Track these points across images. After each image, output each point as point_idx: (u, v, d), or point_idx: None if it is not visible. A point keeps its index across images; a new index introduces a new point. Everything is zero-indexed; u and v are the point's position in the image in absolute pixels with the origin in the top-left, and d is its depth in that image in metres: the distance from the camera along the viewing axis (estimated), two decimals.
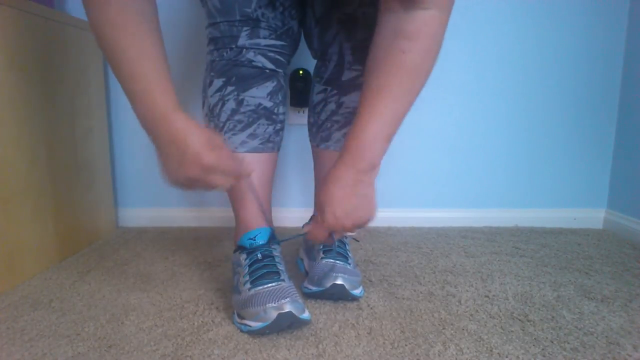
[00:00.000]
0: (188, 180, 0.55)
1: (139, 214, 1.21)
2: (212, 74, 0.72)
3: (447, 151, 1.21)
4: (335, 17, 0.76)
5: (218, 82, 0.71)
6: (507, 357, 0.58)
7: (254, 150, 0.73)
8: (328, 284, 0.71)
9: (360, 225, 0.63)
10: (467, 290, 0.79)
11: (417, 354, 0.59)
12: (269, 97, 0.73)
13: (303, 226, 0.70)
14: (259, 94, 0.71)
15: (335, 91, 0.81)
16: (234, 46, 0.69)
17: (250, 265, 0.68)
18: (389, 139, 0.62)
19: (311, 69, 0.95)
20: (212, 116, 0.73)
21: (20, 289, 0.79)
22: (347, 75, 0.79)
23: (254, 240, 0.71)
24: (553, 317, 0.69)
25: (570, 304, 0.74)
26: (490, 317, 0.69)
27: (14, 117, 0.78)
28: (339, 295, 0.73)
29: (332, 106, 0.82)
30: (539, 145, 1.21)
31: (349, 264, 0.77)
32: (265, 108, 0.72)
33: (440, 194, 1.23)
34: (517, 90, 1.18)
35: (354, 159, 0.61)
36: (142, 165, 1.19)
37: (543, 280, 0.84)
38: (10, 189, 0.78)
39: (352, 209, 0.61)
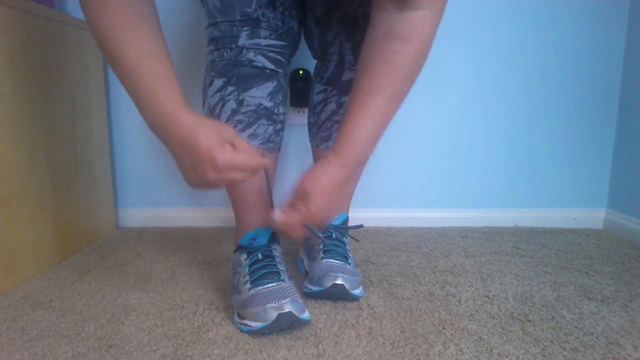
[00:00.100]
0: (206, 181, 0.53)
1: (139, 214, 1.21)
2: (212, 74, 0.72)
3: (447, 151, 1.21)
4: (336, 17, 0.77)
5: (218, 82, 0.71)
6: (507, 357, 0.58)
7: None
8: (328, 284, 0.71)
9: (324, 222, 0.63)
10: (467, 290, 0.79)
11: (417, 354, 0.59)
12: (269, 97, 0.73)
13: (272, 215, 0.63)
14: (260, 94, 0.71)
15: (335, 91, 0.81)
16: (234, 46, 0.69)
17: (250, 265, 0.68)
18: (378, 138, 0.64)
19: (311, 69, 0.95)
20: (212, 116, 0.73)
21: (20, 289, 0.79)
22: (347, 75, 0.79)
23: (255, 240, 0.71)
24: (553, 317, 0.69)
25: (570, 304, 0.74)
26: (490, 317, 0.69)
27: (14, 117, 0.78)
28: (339, 295, 0.73)
29: (332, 106, 0.82)
30: (539, 145, 1.21)
31: (349, 264, 0.77)
32: (265, 108, 0.72)
33: (440, 194, 1.23)
34: (517, 90, 1.19)
35: (346, 156, 0.62)
36: (142, 165, 1.19)
37: (543, 280, 0.84)
38: (10, 189, 0.78)
39: (334, 204, 0.62)
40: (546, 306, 0.73)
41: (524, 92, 1.19)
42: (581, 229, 1.21)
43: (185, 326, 0.66)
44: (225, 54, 0.70)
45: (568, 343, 0.62)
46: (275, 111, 0.74)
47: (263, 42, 0.70)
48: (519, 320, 0.68)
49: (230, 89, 0.71)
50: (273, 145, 0.76)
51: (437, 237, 1.12)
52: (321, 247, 0.79)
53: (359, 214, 1.12)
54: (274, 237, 0.73)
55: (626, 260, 0.96)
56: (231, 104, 0.71)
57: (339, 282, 0.71)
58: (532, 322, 0.68)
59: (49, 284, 0.81)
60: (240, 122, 0.72)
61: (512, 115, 1.20)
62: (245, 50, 0.70)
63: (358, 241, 1.07)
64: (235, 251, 0.74)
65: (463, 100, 1.19)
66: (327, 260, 0.76)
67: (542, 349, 0.60)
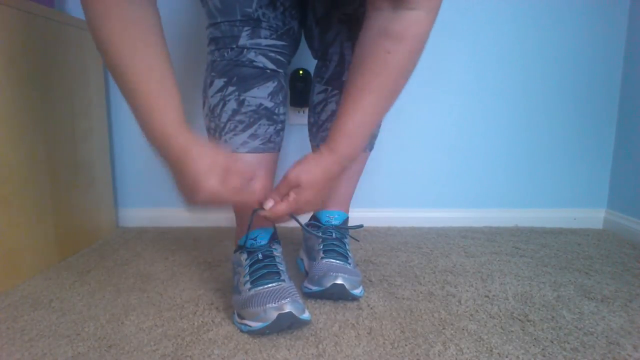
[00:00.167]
0: (199, 202, 0.54)
1: (139, 214, 1.21)
2: (213, 74, 0.72)
3: (447, 151, 1.21)
4: (336, 17, 0.77)
5: (219, 83, 0.71)
6: (507, 357, 0.58)
7: (255, 150, 0.73)
8: (328, 284, 0.71)
9: (309, 212, 0.66)
10: (467, 290, 0.79)
11: (417, 354, 0.59)
12: (269, 97, 0.73)
13: (255, 211, 0.63)
14: (260, 94, 0.71)
15: (336, 91, 0.81)
16: (234, 46, 0.69)
17: (250, 266, 0.68)
18: (369, 135, 0.65)
19: (311, 69, 0.95)
20: (212, 116, 0.73)
21: (20, 289, 0.79)
22: (347, 77, 0.79)
23: (255, 240, 0.71)
24: (553, 317, 0.70)
25: (570, 304, 0.74)
26: (490, 317, 0.69)
27: (14, 117, 0.78)
28: (339, 295, 0.73)
29: (332, 106, 0.82)
30: (539, 145, 1.21)
31: (349, 263, 0.77)
32: (266, 108, 0.72)
33: (440, 194, 1.23)
34: (517, 90, 1.19)
35: (339, 152, 0.62)
36: (142, 165, 1.19)
37: (543, 280, 0.84)
38: (10, 189, 0.78)
39: (322, 197, 0.64)
40: (546, 306, 0.73)
41: (524, 92, 1.19)
42: (581, 229, 1.21)
43: (185, 326, 0.66)
44: (225, 54, 0.70)
45: (568, 343, 0.62)
46: (276, 111, 0.74)
47: (264, 42, 0.70)
48: (519, 320, 0.68)
49: (231, 89, 0.71)
50: (273, 145, 0.76)
51: (437, 237, 1.12)
52: (321, 247, 0.79)
53: (359, 214, 1.12)
54: (274, 237, 0.73)
55: (626, 260, 0.96)
56: (232, 104, 0.71)
57: (339, 282, 0.71)
58: (532, 322, 0.68)
59: (49, 284, 0.81)
60: (240, 122, 0.72)
61: (512, 115, 1.20)
62: (245, 50, 0.70)
63: (358, 241, 1.07)
64: (235, 251, 0.74)
65: (463, 100, 1.19)
66: (327, 260, 0.76)
67: (542, 349, 0.60)
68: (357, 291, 0.74)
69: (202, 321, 0.67)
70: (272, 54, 0.72)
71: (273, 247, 0.72)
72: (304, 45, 0.85)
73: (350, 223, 0.87)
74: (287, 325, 0.62)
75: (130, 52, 0.52)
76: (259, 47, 0.70)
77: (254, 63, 0.70)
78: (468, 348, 0.60)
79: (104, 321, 0.67)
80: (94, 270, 0.88)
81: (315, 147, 0.88)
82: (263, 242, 0.71)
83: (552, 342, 0.62)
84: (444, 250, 1.01)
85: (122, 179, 1.21)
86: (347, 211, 0.88)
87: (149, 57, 0.54)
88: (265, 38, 0.70)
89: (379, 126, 0.90)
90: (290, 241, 1.05)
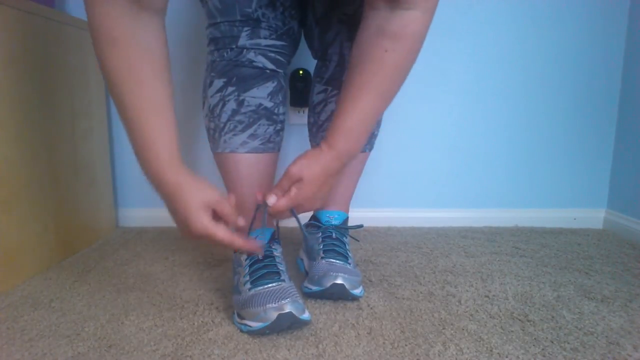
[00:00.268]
0: (192, 237, 0.57)
1: (139, 214, 1.21)
2: (212, 74, 0.72)
3: (447, 151, 1.21)
4: (336, 17, 0.77)
5: (218, 83, 0.71)
6: (507, 357, 0.58)
7: (255, 150, 0.73)
8: (328, 284, 0.71)
9: (310, 210, 0.66)
10: (467, 290, 0.79)
11: (417, 354, 0.59)
12: (269, 97, 0.73)
13: (260, 207, 0.64)
14: (260, 94, 0.71)
15: (335, 91, 0.81)
16: (234, 46, 0.69)
17: (250, 266, 0.68)
18: (369, 132, 0.65)
19: (311, 69, 0.95)
20: (212, 116, 0.73)
21: (20, 289, 0.79)
22: (345, 76, 0.79)
23: (255, 241, 0.71)
24: (553, 317, 0.70)
25: (570, 304, 0.74)
26: (490, 317, 0.69)
27: (14, 117, 0.78)
28: (339, 294, 0.73)
29: (332, 106, 0.82)
30: (539, 145, 1.21)
31: (349, 263, 0.77)
32: (265, 108, 0.72)
33: (440, 194, 1.23)
34: (517, 90, 1.19)
35: (338, 149, 0.63)
36: None
37: (543, 280, 0.84)
38: (10, 189, 0.78)
39: (322, 194, 0.64)
40: (546, 306, 0.73)
41: (524, 92, 1.19)
42: (581, 229, 1.21)
43: (185, 326, 0.66)
44: (225, 54, 0.70)
45: (568, 343, 0.62)
46: (276, 111, 0.74)
47: (263, 42, 0.70)
48: (519, 320, 0.68)
49: (230, 89, 0.71)
50: (273, 145, 0.76)
51: (437, 237, 1.12)
52: (321, 246, 0.79)
53: (359, 214, 1.12)
54: (274, 237, 0.73)
55: (626, 260, 0.96)
56: (231, 104, 0.71)
57: (339, 281, 0.71)
58: (532, 322, 0.68)
59: (49, 284, 0.81)
60: (240, 122, 0.72)
61: (512, 115, 1.20)
62: (245, 50, 0.70)
63: (358, 241, 1.07)
64: (235, 251, 0.74)
65: (463, 100, 1.19)
66: (327, 259, 0.76)
67: (542, 349, 0.60)
68: (357, 291, 0.74)
69: (202, 321, 0.67)
70: (272, 54, 0.72)
71: (273, 247, 0.72)
72: (303, 45, 0.85)
73: (350, 223, 0.87)
74: (287, 325, 0.62)
75: (134, 87, 0.53)
76: (259, 47, 0.70)
77: (254, 63, 0.70)
78: (468, 348, 0.60)
79: (104, 321, 0.67)
80: (94, 270, 0.88)
81: (316, 146, 0.88)
82: (263, 242, 0.71)
83: (552, 342, 0.62)
84: (444, 250, 1.01)
85: (122, 179, 1.21)
86: (347, 211, 0.88)
87: (152, 92, 0.55)
88: (265, 38, 0.70)
89: (378, 126, 0.90)
90: (290, 241, 1.05)
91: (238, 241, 0.57)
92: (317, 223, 0.83)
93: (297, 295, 0.65)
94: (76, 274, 0.86)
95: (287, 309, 0.60)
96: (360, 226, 0.85)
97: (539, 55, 1.17)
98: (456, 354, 0.59)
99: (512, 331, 0.65)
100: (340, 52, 0.79)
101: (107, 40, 0.52)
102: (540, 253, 1.00)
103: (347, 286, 0.71)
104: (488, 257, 0.97)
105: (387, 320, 0.68)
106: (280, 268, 0.69)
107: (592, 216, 1.23)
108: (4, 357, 0.58)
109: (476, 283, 0.83)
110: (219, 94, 0.71)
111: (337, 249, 0.78)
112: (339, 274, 0.72)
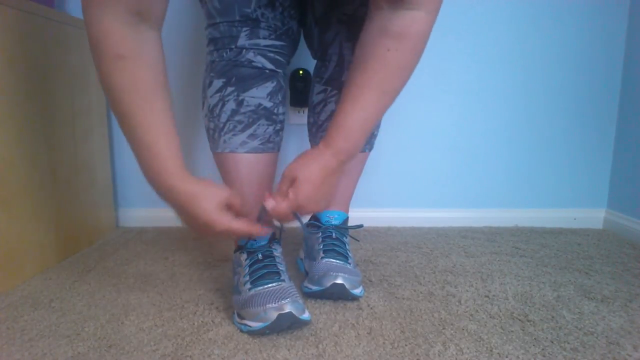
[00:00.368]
0: (214, 236, 0.59)
1: (139, 214, 1.21)
2: (212, 74, 0.72)
3: (447, 151, 1.21)
4: (335, 17, 0.77)
5: (218, 83, 0.71)
6: (507, 357, 0.58)
7: (254, 150, 0.73)
8: (328, 284, 0.71)
9: (313, 212, 0.67)
10: (467, 290, 0.79)
11: (417, 354, 0.59)
12: (268, 97, 0.73)
13: (261, 209, 0.65)
14: (259, 94, 0.71)
15: (335, 91, 0.81)
16: (233, 46, 0.69)
17: (250, 266, 0.68)
18: (369, 132, 0.65)
19: (311, 69, 0.95)
20: (212, 117, 0.73)
21: (20, 289, 0.79)
22: (347, 75, 0.79)
23: (255, 240, 0.71)
24: (553, 317, 0.69)
25: (570, 304, 0.74)
26: (490, 317, 0.69)
27: (14, 117, 0.78)
28: (339, 294, 0.73)
29: (332, 106, 0.82)
30: (539, 145, 1.21)
31: (349, 263, 0.77)
32: (265, 108, 0.72)
33: (440, 194, 1.23)
34: (517, 90, 1.18)
35: (337, 148, 0.62)
36: None
37: (543, 280, 0.84)
38: (10, 189, 0.78)
39: (322, 194, 0.64)
40: (546, 306, 0.73)
41: (524, 92, 1.19)
42: (581, 229, 1.20)
43: (185, 326, 0.66)
44: (224, 54, 0.70)
45: (568, 343, 0.62)
46: (275, 111, 0.74)
47: (262, 42, 0.70)
48: (519, 320, 0.68)
49: (229, 89, 0.71)
50: (273, 145, 0.76)
51: (437, 237, 1.12)
52: (321, 246, 0.79)
53: (359, 214, 1.12)
54: (274, 237, 0.73)
55: (626, 260, 0.96)
56: (231, 105, 0.71)
57: (339, 281, 0.71)
58: (532, 322, 0.68)
59: (49, 284, 0.81)
60: (240, 122, 0.72)
61: (512, 115, 1.20)
62: (244, 50, 0.70)
63: (358, 241, 1.07)
64: (235, 251, 0.74)
65: (463, 100, 1.19)
66: (327, 259, 0.76)
67: (542, 349, 0.60)
68: (357, 291, 0.74)
69: (202, 321, 0.67)
70: (271, 54, 0.72)
71: (273, 247, 0.72)
72: (303, 45, 0.85)
73: (350, 223, 0.87)
74: (287, 325, 0.62)
75: (141, 103, 0.54)
76: (258, 47, 0.70)
77: (253, 63, 0.70)
78: (468, 348, 0.60)
79: (104, 321, 0.67)
80: (94, 270, 0.88)
81: (315, 146, 0.88)
82: (263, 242, 0.71)
83: (552, 342, 0.62)
84: (444, 250, 1.01)
85: (122, 179, 1.21)
86: (347, 211, 0.88)
87: (157, 106, 0.55)
88: (264, 38, 0.70)
89: (378, 126, 0.90)
90: (290, 241, 1.05)
91: (255, 228, 0.60)
92: (317, 223, 0.83)
93: (297, 295, 0.65)
94: (76, 274, 0.86)
95: (287, 309, 0.60)
96: (360, 226, 0.85)
97: (539, 55, 1.17)
98: (456, 354, 0.59)
99: (512, 331, 0.65)
100: (340, 52, 0.79)
101: (113, 57, 0.51)
102: (540, 253, 1.00)
103: (347, 286, 0.71)
104: (488, 257, 0.97)
105: (387, 320, 0.68)
106: (280, 268, 0.69)
107: (592, 216, 1.23)
108: (4, 357, 0.58)
109: (476, 283, 0.83)
110: (218, 94, 0.71)
111: (337, 249, 0.78)
112: (339, 274, 0.72)
